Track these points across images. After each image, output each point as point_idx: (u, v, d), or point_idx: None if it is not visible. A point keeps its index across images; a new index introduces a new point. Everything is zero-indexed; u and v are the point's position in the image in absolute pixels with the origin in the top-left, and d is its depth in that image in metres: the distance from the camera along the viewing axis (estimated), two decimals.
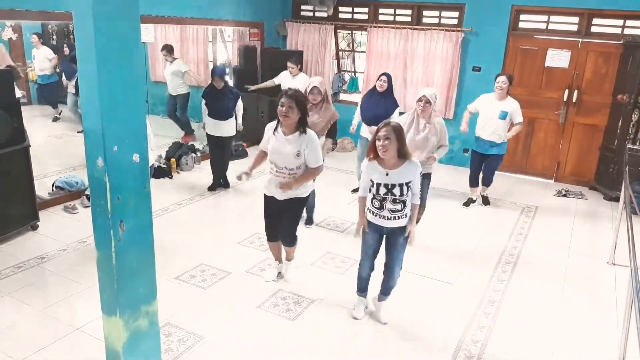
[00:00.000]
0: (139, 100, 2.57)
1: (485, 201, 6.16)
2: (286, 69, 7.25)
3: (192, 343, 3.32)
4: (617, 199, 5.55)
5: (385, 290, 3.64)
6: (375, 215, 3.39)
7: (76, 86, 6.86)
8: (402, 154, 3.26)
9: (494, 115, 5.58)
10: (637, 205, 5.05)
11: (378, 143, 3.21)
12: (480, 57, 7.29)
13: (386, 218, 3.36)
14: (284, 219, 3.89)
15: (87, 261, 4.26)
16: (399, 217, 3.36)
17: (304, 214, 5.17)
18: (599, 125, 6.83)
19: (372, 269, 3.64)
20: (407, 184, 3.28)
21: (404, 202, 3.33)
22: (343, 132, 8.19)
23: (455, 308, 3.89)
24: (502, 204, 6.25)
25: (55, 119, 8.10)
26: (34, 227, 4.85)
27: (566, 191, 6.74)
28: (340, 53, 9.04)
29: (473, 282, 4.28)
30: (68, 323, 3.46)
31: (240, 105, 6.11)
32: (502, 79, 5.57)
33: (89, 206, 4.77)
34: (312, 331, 3.53)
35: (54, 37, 7.92)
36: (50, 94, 7.99)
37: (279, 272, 4.20)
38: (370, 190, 3.39)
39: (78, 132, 7.27)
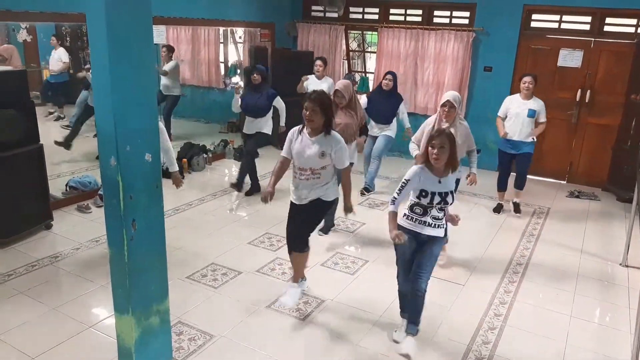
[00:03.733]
0: (151, 100, 2.60)
1: (517, 209, 5.93)
2: (298, 71, 7.21)
3: (203, 342, 3.34)
4: (630, 200, 5.48)
5: (413, 316, 3.35)
6: (415, 222, 3.27)
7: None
8: (451, 163, 3.18)
9: (523, 115, 5.59)
10: None
11: (432, 151, 3.12)
12: (492, 57, 7.25)
13: (427, 224, 3.25)
14: (298, 219, 3.76)
15: (100, 260, 4.31)
16: (439, 226, 3.28)
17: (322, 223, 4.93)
18: (611, 125, 6.77)
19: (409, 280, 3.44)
20: (451, 191, 3.26)
21: (445, 212, 3.29)
22: None
23: (466, 309, 3.87)
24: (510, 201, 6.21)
25: (58, 119, 8.14)
26: (48, 227, 4.91)
27: (579, 192, 6.68)
28: (351, 53, 9.04)
29: (484, 283, 4.26)
30: (81, 321, 3.49)
31: (281, 105, 5.99)
32: (529, 79, 5.58)
33: (102, 206, 4.82)
34: (322, 331, 3.53)
35: (68, 38, 7.99)
36: (58, 92, 8.06)
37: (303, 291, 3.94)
38: (415, 198, 3.25)
39: (94, 136, 7.34)
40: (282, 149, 3.75)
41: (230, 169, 7.31)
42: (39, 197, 4.79)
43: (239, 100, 5.99)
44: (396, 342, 3.40)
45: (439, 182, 3.19)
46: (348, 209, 3.78)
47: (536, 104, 5.60)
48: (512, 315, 3.81)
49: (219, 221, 5.34)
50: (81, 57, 7.77)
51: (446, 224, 3.36)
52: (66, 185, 5.66)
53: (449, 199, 3.23)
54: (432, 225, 3.27)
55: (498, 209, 5.97)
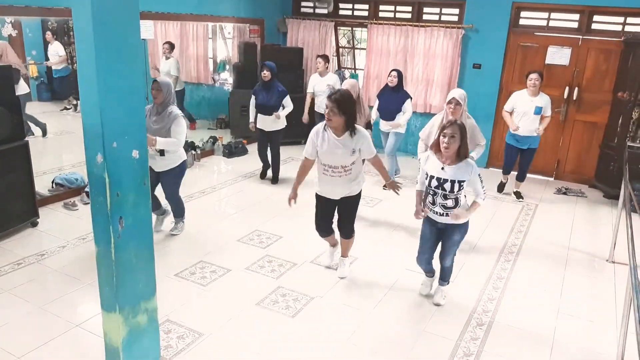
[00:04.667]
0: (138, 96, 2.57)
1: (519, 195, 6.35)
2: (287, 67, 7.24)
3: (192, 340, 3.32)
4: (617, 197, 5.54)
5: (443, 276, 3.86)
6: (430, 210, 3.58)
7: None
8: (462, 153, 3.41)
9: (530, 111, 5.82)
10: (637, 204, 5.04)
11: (443, 139, 3.36)
12: (481, 54, 7.28)
13: (439, 214, 3.53)
14: (342, 214, 4.03)
15: (86, 258, 4.26)
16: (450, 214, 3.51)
17: None
18: (599, 122, 6.83)
19: (429, 262, 3.83)
20: (459, 182, 3.40)
21: (456, 199, 3.47)
22: None
23: (453, 305, 3.90)
24: (502, 200, 6.25)
25: (65, 109, 8.18)
26: (34, 224, 4.85)
27: (566, 189, 6.73)
28: (341, 50, 9.03)
29: (471, 282, 4.28)
30: (67, 319, 3.46)
31: (289, 104, 6.15)
32: (535, 75, 5.78)
33: (88, 203, 4.78)
34: (312, 328, 3.53)
35: (53, 35, 7.92)
36: (62, 86, 8.08)
37: (333, 258, 4.35)
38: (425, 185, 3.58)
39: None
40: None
41: (220, 165, 7.27)
42: (25, 194, 4.73)
43: (254, 100, 6.19)
44: (421, 294, 3.94)
45: (442, 168, 3.43)
46: (391, 184, 3.96)
47: (542, 100, 5.84)
48: (500, 311, 3.84)
49: (208, 218, 5.31)
50: (67, 52, 7.73)
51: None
52: (52, 182, 5.59)
53: (447, 186, 3.41)
54: (443, 214, 3.51)
55: (501, 187, 6.46)
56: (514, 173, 6.41)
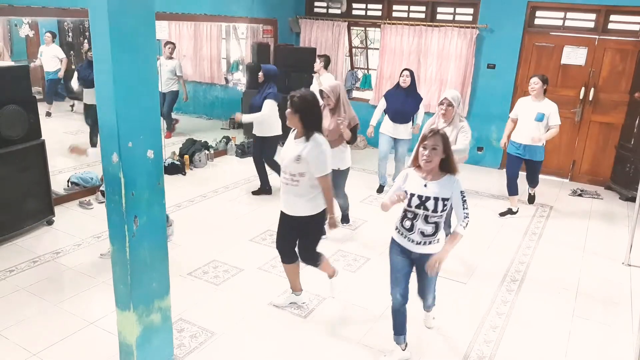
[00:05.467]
0: (153, 96, 2.59)
1: (531, 200, 6.06)
2: (300, 68, 7.18)
3: (204, 339, 3.33)
4: (633, 199, 5.46)
5: (426, 307, 3.44)
6: (405, 238, 3.04)
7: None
8: (446, 167, 2.93)
9: (531, 117, 5.31)
10: None
11: (423, 152, 2.89)
12: (495, 54, 7.22)
13: (415, 242, 3.00)
14: (299, 239, 3.57)
15: (101, 256, 4.31)
16: (429, 243, 3.00)
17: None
18: (615, 123, 6.74)
19: (404, 298, 3.11)
20: (443, 199, 2.90)
21: (436, 225, 2.97)
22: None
23: (467, 308, 3.87)
24: (516, 201, 6.18)
25: (48, 114, 8.08)
26: (50, 222, 4.91)
27: (581, 190, 6.65)
28: (354, 50, 9.01)
29: (486, 282, 4.25)
30: (82, 317, 3.49)
31: (265, 109, 5.59)
32: (534, 79, 5.30)
33: (103, 202, 4.80)
34: (323, 329, 3.53)
35: (70, 34, 7.97)
36: (52, 88, 8.07)
37: (293, 302, 3.79)
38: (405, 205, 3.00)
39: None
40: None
41: (232, 165, 7.30)
42: (41, 193, 4.79)
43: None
44: None
45: (425, 185, 2.93)
46: (332, 221, 3.46)
47: (546, 107, 5.29)
48: (514, 314, 3.80)
49: (221, 218, 5.33)
50: (70, 54, 7.76)
51: (446, 239, 3.05)
52: (68, 181, 5.66)
53: (430, 204, 2.90)
54: (421, 242, 3.00)
55: (505, 213, 5.73)
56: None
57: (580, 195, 6.56)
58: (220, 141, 7.79)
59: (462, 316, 3.75)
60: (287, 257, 3.63)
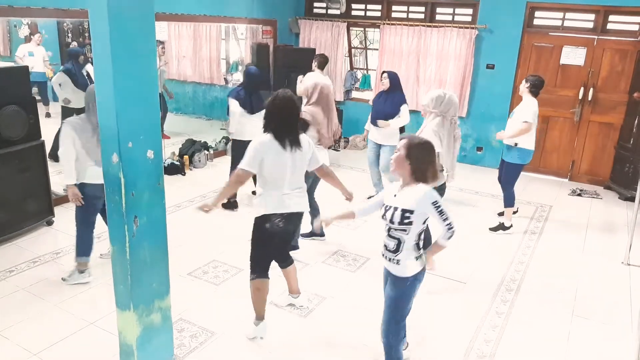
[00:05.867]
0: (153, 97, 2.59)
1: (500, 215, 5.50)
2: (300, 68, 7.17)
3: (205, 339, 3.34)
4: (632, 199, 5.47)
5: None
6: (383, 255, 2.79)
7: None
8: (419, 176, 2.61)
9: (511, 117, 5.16)
10: None
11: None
12: (494, 54, 7.23)
13: (386, 258, 2.77)
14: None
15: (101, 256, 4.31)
16: (389, 260, 2.72)
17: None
18: (614, 123, 6.75)
19: (401, 328, 2.89)
20: (404, 211, 2.57)
21: (398, 241, 2.64)
22: (355, 129, 8.20)
23: (467, 307, 3.87)
24: (516, 202, 6.18)
25: (48, 115, 8.05)
26: (49, 223, 4.91)
27: (581, 190, 6.66)
28: (353, 50, 9.02)
29: (485, 282, 4.25)
30: (82, 317, 3.50)
31: (230, 105, 5.33)
32: (522, 82, 5.13)
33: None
34: (324, 329, 3.53)
35: (69, 35, 7.99)
36: (43, 91, 8.06)
37: (291, 304, 3.74)
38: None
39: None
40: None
41: None
42: (41, 194, 4.80)
43: None
44: None
45: (395, 195, 2.68)
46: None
47: (522, 104, 5.06)
48: (513, 314, 3.81)
49: (221, 218, 5.33)
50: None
51: (413, 259, 2.68)
52: None
53: (389, 214, 2.63)
54: (385, 257, 2.75)
55: (496, 228, 5.30)
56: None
57: (579, 195, 6.57)
58: (219, 141, 7.80)
59: (462, 315, 3.75)
60: (285, 261, 3.66)
